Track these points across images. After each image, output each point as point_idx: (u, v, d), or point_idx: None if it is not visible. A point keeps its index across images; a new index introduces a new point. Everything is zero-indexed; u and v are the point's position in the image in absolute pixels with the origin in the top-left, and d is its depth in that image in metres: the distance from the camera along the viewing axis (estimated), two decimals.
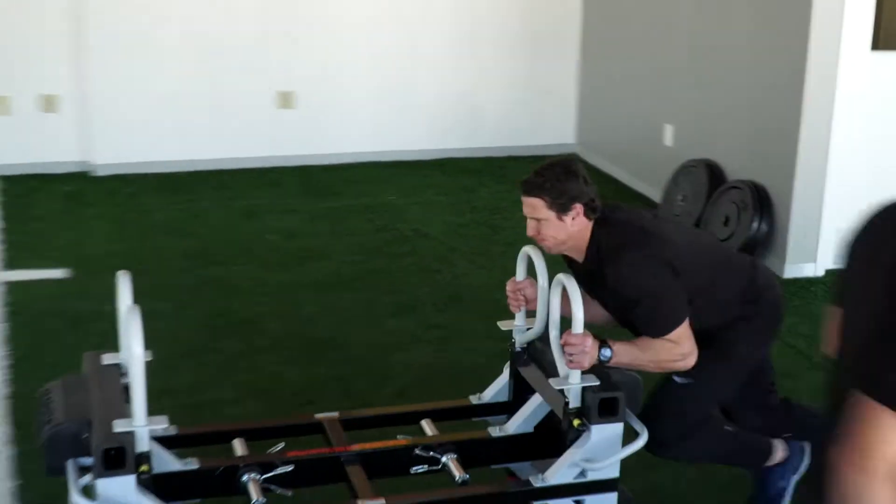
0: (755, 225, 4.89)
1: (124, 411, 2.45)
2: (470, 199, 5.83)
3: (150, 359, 2.83)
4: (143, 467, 2.40)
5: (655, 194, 5.78)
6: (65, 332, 4.10)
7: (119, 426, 2.36)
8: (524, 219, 2.77)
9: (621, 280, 2.67)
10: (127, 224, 5.36)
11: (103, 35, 5.71)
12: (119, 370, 2.75)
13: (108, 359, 2.80)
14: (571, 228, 2.69)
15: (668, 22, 5.72)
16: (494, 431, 2.95)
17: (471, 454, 2.88)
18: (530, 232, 2.75)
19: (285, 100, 6.07)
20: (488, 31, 6.41)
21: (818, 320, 3.97)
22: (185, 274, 4.78)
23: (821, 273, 4.93)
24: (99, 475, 2.33)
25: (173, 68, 5.88)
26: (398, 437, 2.93)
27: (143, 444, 2.40)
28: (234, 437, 2.93)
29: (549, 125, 6.65)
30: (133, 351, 2.37)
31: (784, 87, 4.83)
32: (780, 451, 3.18)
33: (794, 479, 3.21)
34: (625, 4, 6.24)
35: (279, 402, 3.69)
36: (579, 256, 2.77)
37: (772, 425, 3.21)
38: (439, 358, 4.07)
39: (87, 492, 2.37)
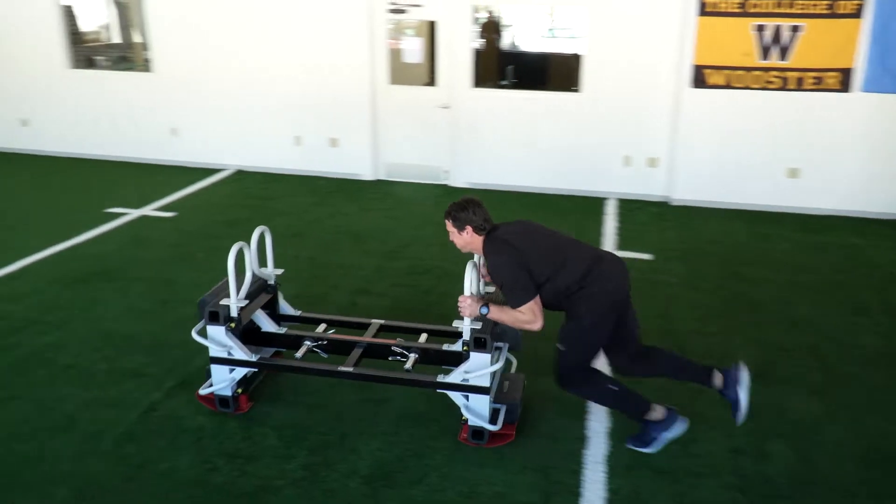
0: None
1: (231, 293, 4.51)
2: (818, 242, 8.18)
3: (280, 272, 4.99)
4: (231, 324, 4.44)
5: None
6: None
7: (222, 301, 4.50)
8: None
9: (492, 273, 4.16)
10: (682, 232, 8.24)
11: (691, 121, 8.98)
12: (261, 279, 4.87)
13: (263, 272, 4.91)
14: (467, 239, 4.21)
15: None
16: (445, 347, 4.63)
17: (427, 358, 4.60)
18: (449, 238, 4.31)
19: (793, 173, 8.99)
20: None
21: None
22: (715, 258, 7.40)
23: None
24: (207, 324, 4.47)
25: (708, 151, 9.08)
26: (398, 338, 4.74)
27: (234, 311, 4.44)
28: (321, 323, 4.98)
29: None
30: (229, 269, 4.39)
31: None
32: (658, 412, 4.31)
33: (665, 434, 4.29)
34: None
35: None
36: (479, 254, 4.31)
37: (640, 367, 4.35)
38: None
39: (203, 333, 4.52)
